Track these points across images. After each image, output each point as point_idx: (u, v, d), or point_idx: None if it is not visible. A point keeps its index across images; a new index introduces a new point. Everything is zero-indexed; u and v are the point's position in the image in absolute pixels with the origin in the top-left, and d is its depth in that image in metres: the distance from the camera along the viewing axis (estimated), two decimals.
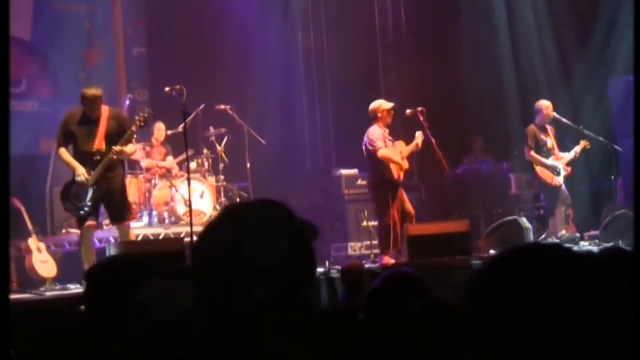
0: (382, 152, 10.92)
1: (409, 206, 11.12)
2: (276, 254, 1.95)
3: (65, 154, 9.56)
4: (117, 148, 9.54)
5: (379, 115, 11.10)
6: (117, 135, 9.62)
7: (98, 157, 9.47)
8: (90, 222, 9.56)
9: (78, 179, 9.41)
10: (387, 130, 11.17)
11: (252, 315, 1.92)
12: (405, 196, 11.16)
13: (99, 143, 9.56)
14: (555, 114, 12.05)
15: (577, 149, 12.11)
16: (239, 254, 1.94)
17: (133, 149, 9.99)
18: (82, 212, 9.44)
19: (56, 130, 9.75)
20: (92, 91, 9.64)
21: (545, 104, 12.12)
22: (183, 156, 11.56)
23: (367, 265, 9.56)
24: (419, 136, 11.06)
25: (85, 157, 9.49)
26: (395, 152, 11.06)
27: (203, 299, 1.99)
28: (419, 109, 11.17)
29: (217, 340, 1.96)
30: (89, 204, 9.42)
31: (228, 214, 2.10)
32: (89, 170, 9.43)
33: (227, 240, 1.97)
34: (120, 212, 9.79)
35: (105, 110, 9.65)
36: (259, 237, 1.97)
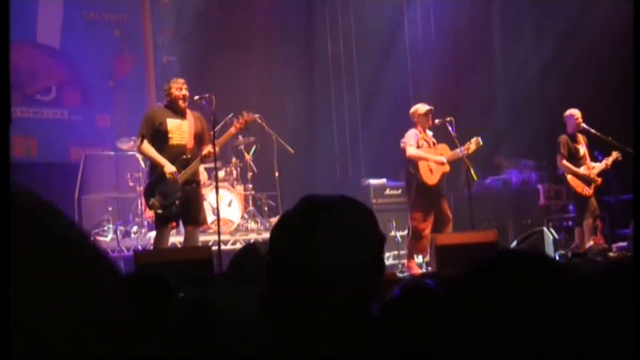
0: (409, 151, 10.97)
1: (447, 212, 11.08)
2: (362, 256, 1.91)
3: (151, 148, 9.09)
4: (210, 149, 9.17)
5: (416, 119, 11.15)
6: (201, 136, 9.33)
7: (186, 156, 9.14)
8: (172, 224, 9.34)
9: (168, 175, 8.96)
10: (427, 133, 11.20)
11: (327, 318, 1.87)
12: (445, 202, 11.14)
13: (190, 141, 9.22)
14: (584, 124, 11.94)
15: (609, 160, 11.96)
16: (322, 250, 1.88)
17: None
18: (167, 211, 9.09)
19: (140, 126, 9.23)
20: (181, 83, 9.29)
21: (573, 113, 12.00)
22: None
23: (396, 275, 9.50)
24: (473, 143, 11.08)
25: (174, 155, 9.10)
26: (430, 152, 11.06)
27: (272, 299, 1.93)
28: (448, 119, 11.14)
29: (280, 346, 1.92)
30: (177, 203, 9.05)
31: (311, 207, 1.99)
32: (179, 169, 9.04)
33: (310, 235, 1.91)
34: (200, 213, 9.45)
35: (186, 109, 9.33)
36: (347, 236, 1.91)
